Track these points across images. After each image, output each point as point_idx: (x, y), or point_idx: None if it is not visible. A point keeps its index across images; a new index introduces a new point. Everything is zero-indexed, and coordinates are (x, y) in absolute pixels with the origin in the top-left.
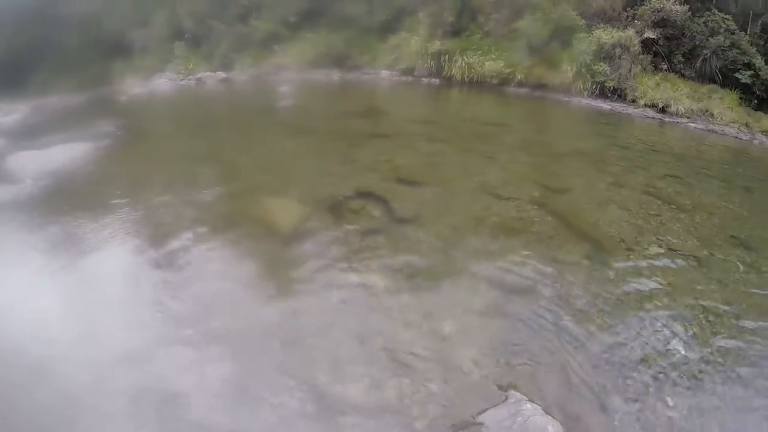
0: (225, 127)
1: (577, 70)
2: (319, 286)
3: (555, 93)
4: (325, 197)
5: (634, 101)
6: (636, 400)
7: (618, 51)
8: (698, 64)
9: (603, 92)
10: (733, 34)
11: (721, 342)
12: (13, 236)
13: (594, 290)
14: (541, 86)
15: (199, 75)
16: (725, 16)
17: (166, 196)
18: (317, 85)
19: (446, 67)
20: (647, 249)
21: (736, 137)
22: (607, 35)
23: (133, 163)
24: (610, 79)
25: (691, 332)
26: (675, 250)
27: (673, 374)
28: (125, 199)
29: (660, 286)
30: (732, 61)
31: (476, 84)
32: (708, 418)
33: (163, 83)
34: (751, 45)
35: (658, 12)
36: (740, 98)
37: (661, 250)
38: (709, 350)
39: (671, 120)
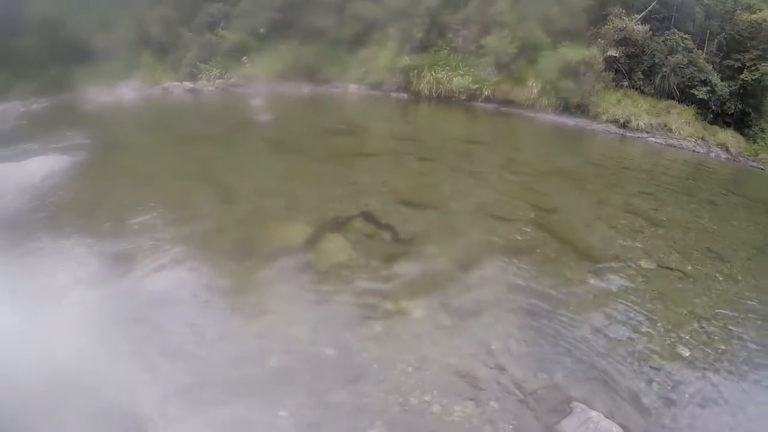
0: (206, 142)
1: (542, 87)
2: (360, 317)
3: (521, 109)
4: (333, 221)
5: (596, 117)
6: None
7: (582, 68)
8: (657, 81)
9: (567, 108)
10: (690, 52)
11: (720, 346)
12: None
13: (602, 302)
14: (508, 102)
15: (165, 84)
16: (684, 35)
17: (166, 222)
18: (288, 98)
19: (414, 82)
20: (639, 264)
21: (693, 151)
22: (572, 53)
23: (120, 181)
24: (575, 96)
25: (690, 337)
26: (663, 266)
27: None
28: (124, 221)
29: (657, 297)
30: (689, 77)
31: (444, 99)
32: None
33: (128, 92)
34: (708, 62)
35: (620, 31)
36: (696, 113)
37: (652, 266)
38: (709, 351)
39: (632, 135)
